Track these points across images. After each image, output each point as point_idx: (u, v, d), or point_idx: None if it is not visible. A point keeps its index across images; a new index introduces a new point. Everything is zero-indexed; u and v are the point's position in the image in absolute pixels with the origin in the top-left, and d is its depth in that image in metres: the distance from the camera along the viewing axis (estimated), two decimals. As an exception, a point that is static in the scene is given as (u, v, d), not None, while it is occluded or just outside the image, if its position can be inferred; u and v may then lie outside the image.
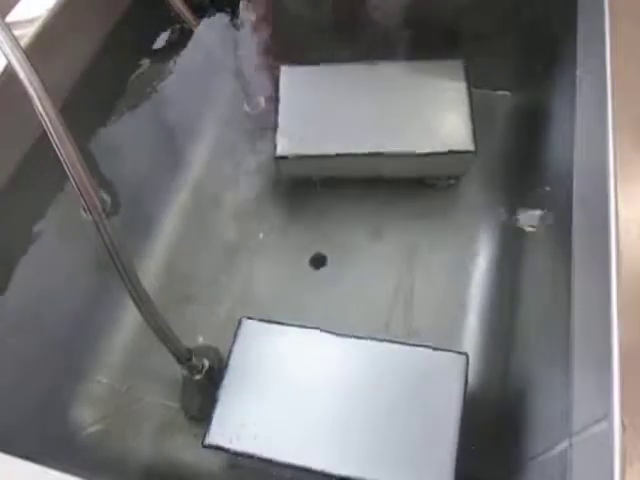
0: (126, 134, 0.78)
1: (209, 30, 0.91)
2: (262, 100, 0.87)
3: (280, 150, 0.76)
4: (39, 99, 0.45)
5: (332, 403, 0.58)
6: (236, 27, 0.93)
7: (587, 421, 0.38)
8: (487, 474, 0.56)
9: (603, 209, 0.46)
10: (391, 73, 0.81)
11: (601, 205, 0.47)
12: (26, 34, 0.61)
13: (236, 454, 0.56)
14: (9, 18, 0.62)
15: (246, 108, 0.87)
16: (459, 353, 0.59)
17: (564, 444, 0.41)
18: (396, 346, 0.61)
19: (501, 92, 0.87)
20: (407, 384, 0.58)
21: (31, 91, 0.45)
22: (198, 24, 0.90)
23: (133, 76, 0.84)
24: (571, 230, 0.56)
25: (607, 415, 0.35)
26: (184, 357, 0.58)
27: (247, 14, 0.93)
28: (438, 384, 0.58)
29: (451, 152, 0.74)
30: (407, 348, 0.60)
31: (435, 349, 0.60)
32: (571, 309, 0.47)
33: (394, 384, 0.59)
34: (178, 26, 0.89)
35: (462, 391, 0.57)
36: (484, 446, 0.57)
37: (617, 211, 0.45)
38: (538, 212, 0.72)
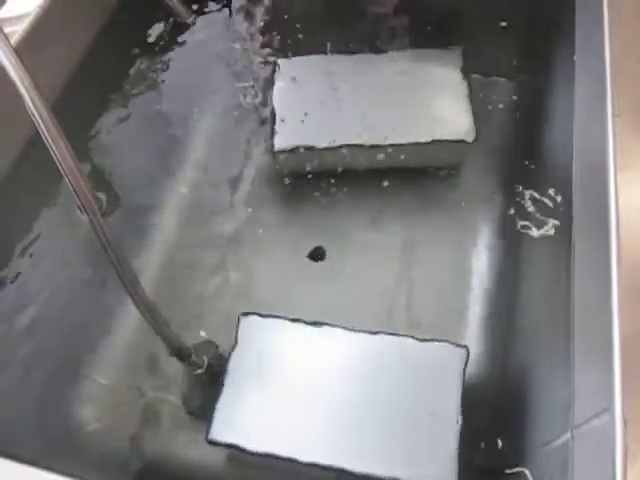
0: (121, 130, 0.78)
1: (203, 22, 0.90)
2: (259, 93, 0.87)
3: (278, 143, 0.75)
4: (30, 98, 0.44)
5: (333, 397, 0.58)
6: (231, 19, 0.92)
7: (588, 414, 0.37)
8: (488, 465, 0.56)
9: (603, 197, 0.46)
10: (389, 63, 0.80)
11: (601, 193, 0.47)
12: (16, 31, 0.60)
13: (238, 450, 0.56)
14: (-1, 15, 0.62)
15: (242, 101, 0.87)
16: (459, 345, 0.59)
17: (565, 436, 0.41)
18: (396, 339, 0.61)
19: (500, 78, 0.86)
20: (408, 376, 0.58)
21: (22, 90, 0.44)
22: (191, 16, 0.89)
23: (127, 71, 0.83)
24: (571, 218, 0.56)
25: (608, 408, 0.34)
26: (183, 354, 0.58)
27: (242, 5, 0.92)
28: (438, 376, 0.58)
29: (450, 141, 0.73)
30: (407, 341, 0.60)
31: (435, 341, 0.60)
32: (571, 301, 0.47)
33: (395, 377, 0.58)
34: (172, 19, 0.89)
35: (462, 381, 0.57)
36: (485, 438, 0.57)
37: (617, 198, 0.45)
38: (538, 201, 0.71)
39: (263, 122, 0.84)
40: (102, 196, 0.73)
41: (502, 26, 0.85)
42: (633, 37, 0.53)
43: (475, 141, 0.73)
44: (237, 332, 0.63)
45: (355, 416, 0.57)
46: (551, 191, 0.70)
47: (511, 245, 0.72)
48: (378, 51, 0.82)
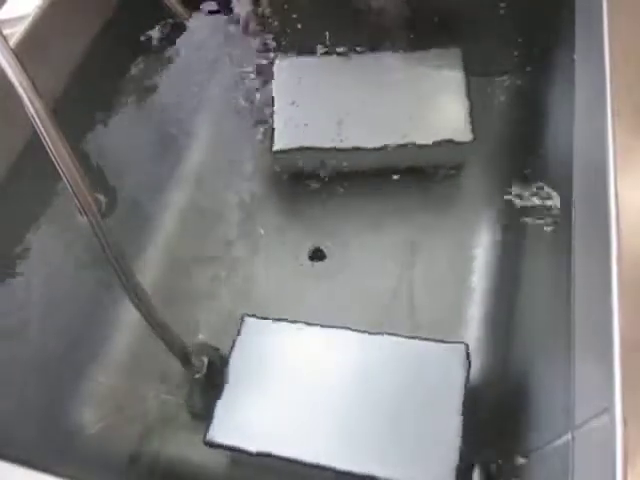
0: (120, 131, 0.78)
1: (202, 23, 0.90)
2: (258, 93, 0.87)
3: (277, 144, 0.75)
4: (29, 99, 0.44)
5: (333, 398, 0.58)
6: (230, 19, 0.92)
7: (588, 414, 0.37)
8: (489, 465, 0.55)
9: (603, 196, 0.46)
10: (388, 63, 0.80)
11: (601, 192, 0.46)
12: (15, 32, 0.60)
13: (237, 451, 0.56)
14: (-2, 16, 0.62)
15: (241, 101, 0.87)
16: (458, 343, 0.59)
17: (566, 437, 0.41)
18: (397, 339, 0.61)
19: (499, 77, 0.86)
20: (409, 376, 0.58)
21: (21, 91, 0.44)
22: (190, 17, 0.89)
23: (126, 72, 0.83)
24: (572, 217, 0.56)
25: (608, 409, 0.34)
26: (184, 355, 0.58)
27: (240, 5, 0.92)
28: (439, 375, 0.58)
29: (450, 142, 0.73)
30: (408, 341, 0.60)
31: (435, 341, 0.60)
32: (571, 301, 0.47)
33: (396, 377, 0.58)
34: (170, 20, 0.89)
35: (463, 381, 0.57)
36: (486, 438, 0.57)
37: (617, 198, 0.45)
38: (539, 200, 0.71)
39: (263, 122, 0.83)
40: (101, 198, 0.73)
41: (502, 26, 0.84)
42: (633, 36, 0.52)
43: (475, 141, 0.73)
44: (237, 333, 0.63)
45: (355, 417, 0.57)
46: (551, 191, 0.70)
47: (511, 245, 0.72)
48: (378, 51, 0.82)
